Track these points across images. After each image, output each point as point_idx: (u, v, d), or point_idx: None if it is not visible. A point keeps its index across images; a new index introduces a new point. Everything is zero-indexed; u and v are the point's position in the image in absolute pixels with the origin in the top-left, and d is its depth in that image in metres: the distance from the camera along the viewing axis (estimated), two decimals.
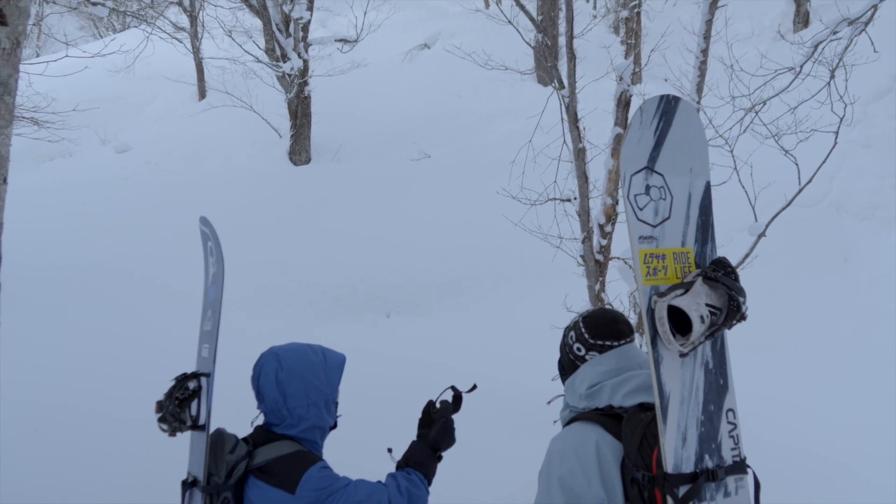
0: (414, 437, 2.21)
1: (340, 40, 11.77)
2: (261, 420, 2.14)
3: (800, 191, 5.03)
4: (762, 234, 5.01)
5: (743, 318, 1.83)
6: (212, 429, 2.06)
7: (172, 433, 2.05)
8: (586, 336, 1.95)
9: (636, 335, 2.15)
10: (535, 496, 1.85)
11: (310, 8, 10.79)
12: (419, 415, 2.25)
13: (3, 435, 4.46)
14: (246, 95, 11.71)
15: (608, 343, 1.93)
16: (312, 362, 2.10)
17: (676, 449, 1.72)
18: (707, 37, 5.81)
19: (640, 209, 1.83)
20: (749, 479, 1.85)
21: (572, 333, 1.99)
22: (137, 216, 9.54)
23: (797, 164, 5.04)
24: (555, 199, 5.61)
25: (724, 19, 7.30)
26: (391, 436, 2.50)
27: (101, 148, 12.27)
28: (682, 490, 1.69)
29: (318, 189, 10.29)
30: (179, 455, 2.34)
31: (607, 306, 5.25)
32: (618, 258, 5.32)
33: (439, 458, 2.16)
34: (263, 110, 11.65)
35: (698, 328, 1.75)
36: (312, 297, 8.08)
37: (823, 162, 5.02)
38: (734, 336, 1.96)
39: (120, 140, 12.34)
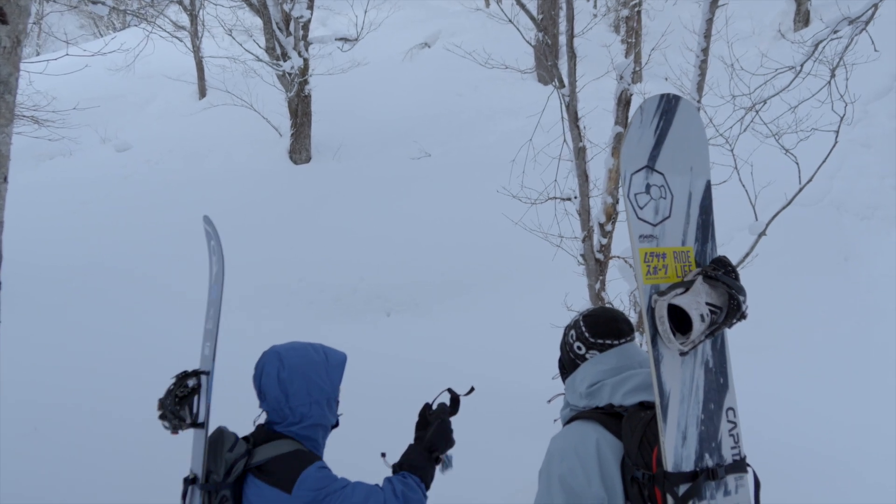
0: (412, 440, 2.20)
1: (341, 39, 11.76)
2: (263, 419, 2.14)
3: (800, 190, 5.03)
4: (762, 233, 5.02)
5: (743, 316, 1.83)
6: (212, 427, 2.06)
7: (174, 431, 2.05)
8: (587, 335, 1.95)
9: (636, 334, 2.15)
10: (536, 495, 1.85)
11: (310, 6, 10.77)
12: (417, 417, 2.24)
13: (3, 435, 4.46)
14: (246, 94, 11.71)
15: (608, 342, 1.93)
16: (314, 361, 2.10)
17: (676, 447, 1.72)
18: (707, 36, 5.81)
19: (641, 208, 1.83)
20: (749, 477, 1.85)
21: (573, 332, 1.99)
22: (138, 215, 9.53)
23: (797, 164, 5.04)
24: (555, 197, 5.61)
25: (725, 18, 7.29)
26: (391, 436, 2.50)
27: (101, 146, 12.26)
28: (683, 489, 1.69)
29: (318, 188, 10.28)
30: (179, 455, 2.34)
31: (608, 305, 5.25)
32: (618, 257, 5.32)
33: (437, 461, 2.13)
34: (264, 109, 11.65)
35: (698, 327, 1.75)
36: (312, 297, 8.07)
37: (824, 161, 5.02)
38: (734, 335, 1.96)
39: (120, 139, 12.33)
